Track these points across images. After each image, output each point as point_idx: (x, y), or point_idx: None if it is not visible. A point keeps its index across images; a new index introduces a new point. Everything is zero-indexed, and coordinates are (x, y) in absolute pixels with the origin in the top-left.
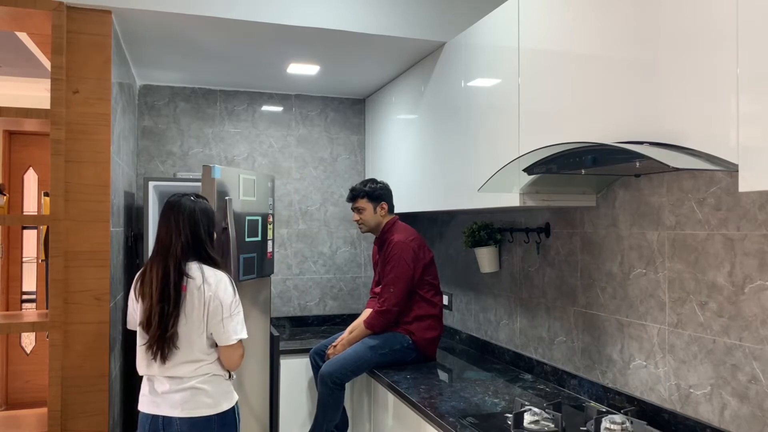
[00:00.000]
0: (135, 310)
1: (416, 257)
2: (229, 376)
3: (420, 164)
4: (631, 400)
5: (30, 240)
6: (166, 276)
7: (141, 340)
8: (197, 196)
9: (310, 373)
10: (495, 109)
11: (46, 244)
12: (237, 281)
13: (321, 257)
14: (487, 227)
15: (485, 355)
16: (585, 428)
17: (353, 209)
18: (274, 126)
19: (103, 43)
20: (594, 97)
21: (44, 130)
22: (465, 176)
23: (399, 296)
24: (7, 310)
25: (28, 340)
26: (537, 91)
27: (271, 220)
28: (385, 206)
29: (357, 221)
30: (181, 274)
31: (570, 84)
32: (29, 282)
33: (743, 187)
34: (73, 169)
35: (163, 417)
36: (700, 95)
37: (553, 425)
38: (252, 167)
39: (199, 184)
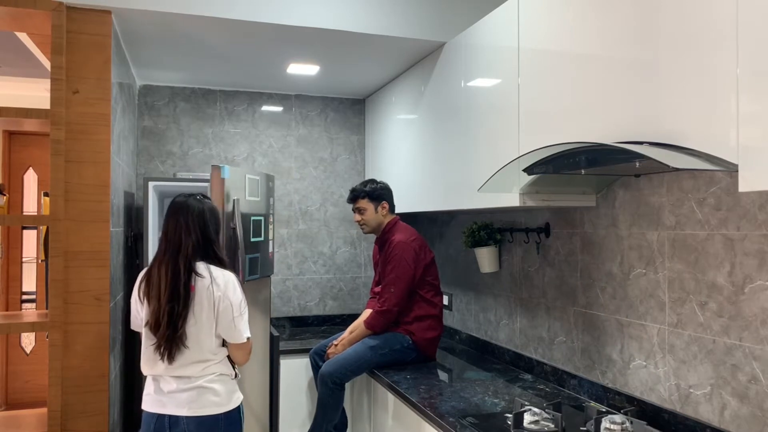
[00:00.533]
0: (139, 312)
1: (417, 257)
2: (234, 376)
3: (420, 164)
4: (631, 400)
5: (30, 240)
6: (176, 275)
7: (148, 341)
8: (203, 196)
9: (310, 373)
10: (495, 109)
11: (45, 244)
12: (243, 281)
13: (321, 257)
14: (487, 227)
15: (485, 355)
16: (585, 428)
17: (354, 210)
18: (274, 126)
19: (103, 43)
20: (594, 97)
21: (44, 130)
22: (465, 176)
23: (399, 296)
24: (7, 310)
25: (28, 341)
26: (537, 91)
27: (271, 220)
28: (386, 206)
29: (359, 222)
30: (191, 274)
31: (570, 84)
32: (29, 282)
33: (743, 187)
34: (73, 169)
35: (169, 416)
36: (700, 95)
37: (553, 425)
38: (252, 167)
39: (199, 184)
